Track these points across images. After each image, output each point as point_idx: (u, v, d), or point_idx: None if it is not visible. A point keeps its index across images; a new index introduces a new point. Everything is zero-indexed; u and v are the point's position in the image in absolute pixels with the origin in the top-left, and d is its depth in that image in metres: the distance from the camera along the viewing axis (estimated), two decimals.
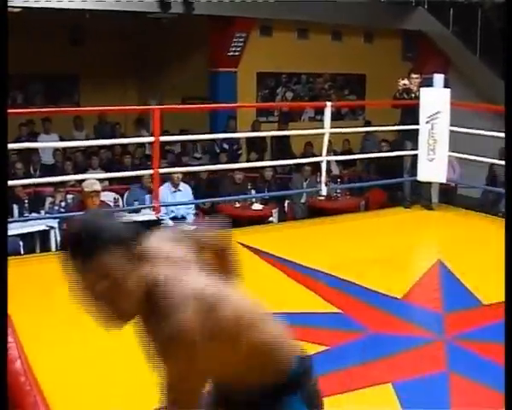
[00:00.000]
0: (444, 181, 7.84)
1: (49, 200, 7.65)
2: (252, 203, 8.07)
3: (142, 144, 9.91)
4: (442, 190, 8.41)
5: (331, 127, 7.54)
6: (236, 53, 11.35)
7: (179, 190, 7.69)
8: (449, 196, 9.70)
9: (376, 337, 4.23)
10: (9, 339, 0.72)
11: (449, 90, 7.70)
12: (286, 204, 8.97)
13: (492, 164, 9.72)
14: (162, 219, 7.02)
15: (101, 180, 7.01)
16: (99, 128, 11.41)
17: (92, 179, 6.48)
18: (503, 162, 9.86)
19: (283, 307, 3.35)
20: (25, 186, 7.52)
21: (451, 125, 7.66)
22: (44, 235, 7.05)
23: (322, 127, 7.58)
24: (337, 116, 11.62)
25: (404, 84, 7.81)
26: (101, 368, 3.73)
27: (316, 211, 8.29)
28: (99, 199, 6.31)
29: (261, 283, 4.18)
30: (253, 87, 12.31)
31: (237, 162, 9.75)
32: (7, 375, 1.73)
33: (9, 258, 5.67)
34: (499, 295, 4.81)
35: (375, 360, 3.90)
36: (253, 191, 8.39)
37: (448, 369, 3.81)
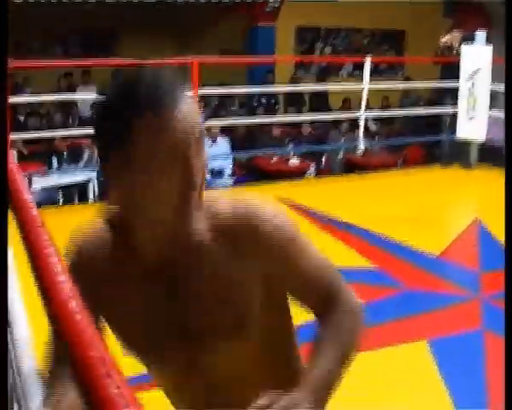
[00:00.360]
0: (483, 140, 7.74)
1: (87, 152, 7.74)
2: (289, 158, 8.07)
3: None
4: (484, 148, 8.32)
5: (370, 83, 7.47)
6: (275, 7, 11.24)
7: (216, 144, 7.71)
8: (491, 154, 9.59)
9: (412, 294, 4.24)
10: (60, 278, 0.71)
11: (491, 47, 7.55)
12: (323, 159, 8.95)
13: None
14: None
15: None
16: None
17: None
18: None
19: None
20: (64, 138, 7.61)
21: (495, 81, 7.54)
22: (83, 187, 7.16)
23: (361, 83, 7.51)
24: (376, 72, 11.49)
25: (445, 41, 7.69)
26: None
27: (353, 167, 8.26)
28: None
29: None
30: (291, 41, 12.21)
31: (275, 116, 9.73)
32: (7, 375, 1.78)
33: (47, 208, 5.84)
34: None
35: (411, 316, 3.92)
36: (290, 146, 8.38)
37: (483, 327, 3.82)
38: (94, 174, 7.02)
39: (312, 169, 8.42)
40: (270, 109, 10.39)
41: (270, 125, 8.63)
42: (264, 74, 10.65)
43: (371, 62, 7.61)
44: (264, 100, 10.57)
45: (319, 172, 8.57)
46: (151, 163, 1.09)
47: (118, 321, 1.27)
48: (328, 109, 10.74)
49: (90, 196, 7.13)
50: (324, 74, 12.01)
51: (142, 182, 1.10)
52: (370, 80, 7.50)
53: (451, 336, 3.73)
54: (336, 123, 9.27)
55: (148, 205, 1.13)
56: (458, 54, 7.58)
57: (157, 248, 1.20)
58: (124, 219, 1.19)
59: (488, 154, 9.45)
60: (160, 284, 1.23)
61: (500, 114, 8.38)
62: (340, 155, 8.94)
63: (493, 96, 7.55)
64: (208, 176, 7.26)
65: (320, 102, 10.94)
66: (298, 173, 8.00)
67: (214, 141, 7.69)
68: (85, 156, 7.73)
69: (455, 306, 4.08)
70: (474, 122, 7.50)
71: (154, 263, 1.21)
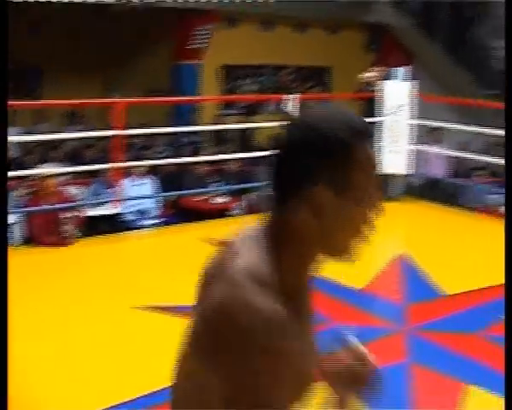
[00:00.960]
0: (407, 173, 7.89)
1: (12, 194, 7.50)
2: (215, 196, 8.03)
3: (105, 138, 9.77)
4: (409, 182, 8.49)
5: None
6: (201, 45, 11.27)
7: (142, 184, 7.60)
8: (415, 187, 9.78)
9: (338, 329, 4.22)
10: None
11: (411, 82, 7.75)
12: (249, 197, 8.93)
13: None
14: (123, 214, 6.97)
15: (64, 174, 6.91)
16: (62, 121, 11.24)
17: (48, 168, 6.42)
18: (464, 155, 10.07)
19: None
20: None
21: (418, 117, 7.73)
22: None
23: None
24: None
25: (368, 77, 7.85)
26: None
27: None
28: (55, 188, 6.25)
29: None
30: (218, 79, 12.24)
31: (200, 155, 9.69)
32: (7, 375, 1.64)
33: None
34: (463, 286, 4.88)
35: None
36: (215, 184, 8.34)
37: (409, 359, 3.83)
38: (16, 217, 6.79)
39: (239, 207, 8.38)
40: (196, 148, 10.35)
41: (196, 163, 8.58)
42: (189, 113, 10.62)
43: (295, 99, 7.68)
44: (189, 139, 10.53)
45: (246, 210, 8.52)
46: (366, 191, 1.16)
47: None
48: (254, 146, 10.77)
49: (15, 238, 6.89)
50: (250, 112, 12.07)
51: (359, 208, 1.16)
52: None
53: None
54: (261, 159, 9.27)
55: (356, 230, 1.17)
56: (380, 89, 7.73)
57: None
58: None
59: (413, 187, 9.64)
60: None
61: (424, 147, 8.58)
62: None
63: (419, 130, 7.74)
64: (133, 217, 7.15)
65: (246, 139, 10.98)
66: (223, 212, 7.95)
67: (140, 181, 7.58)
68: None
69: (380, 339, 4.08)
70: (396, 156, 7.64)
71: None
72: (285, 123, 1.16)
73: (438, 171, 9.97)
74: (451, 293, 4.82)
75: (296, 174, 1.14)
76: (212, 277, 1.19)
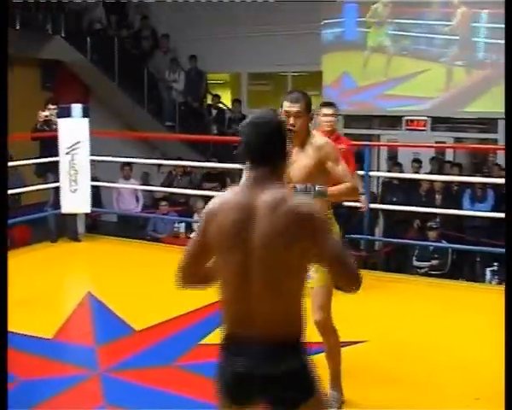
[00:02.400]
0: (88, 211, 7.81)
1: None
2: None
3: None
4: (88, 219, 8.42)
5: None
6: None
7: None
8: (94, 224, 9.76)
9: (29, 384, 3.98)
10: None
11: (87, 119, 7.70)
12: None
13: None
14: None
15: None
16: None
17: None
18: (145, 187, 10.32)
19: None
20: None
21: (96, 154, 7.70)
22: None
23: None
24: None
25: (46, 116, 7.63)
26: None
27: None
28: None
29: None
30: None
31: None
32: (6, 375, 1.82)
33: None
34: (150, 320, 4.93)
35: (33, 408, 3.67)
36: None
37: (105, 402, 3.74)
38: None
39: None
40: None
41: None
42: None
43: None
44: None
45: None
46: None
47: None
48: None
49: None
50: None
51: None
52: None
53: None
54: None
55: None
56: (57, 128, 7.55)
57: None
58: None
59: (99, 224, 9.62)
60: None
61: (111, 184, 8.58)
62: None
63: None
64: None
65: None
66: None
67: None
68: None
69: (74, 387, 3.94)
70: (77, 194, 7.52)
71: None
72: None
73: (128, 205, 10.13)
74: (141, 328, 4.84)
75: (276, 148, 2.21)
76: (275, 207, 2.09)
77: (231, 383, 2.15)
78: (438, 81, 11.58)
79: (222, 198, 2.21)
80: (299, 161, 3.48)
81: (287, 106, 3.53)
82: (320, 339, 3.62)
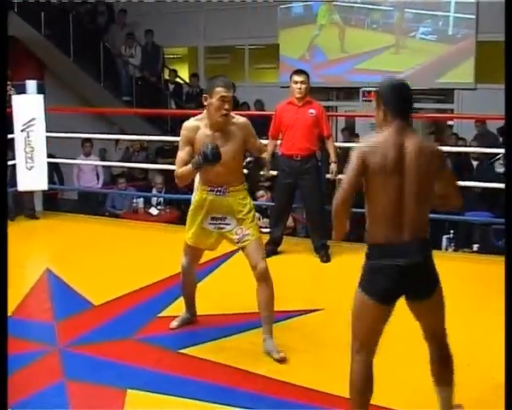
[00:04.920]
0: (45, 188, 7.74)
1: None
2: None
3: None
4: (46, 196, 8.35)
5: None
6: None
7: None
8: (53, 202, 9.69)
9: None
10: None
11: (42, 95, 7.61)
12: None
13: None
14: None
15: None
16: None
17: None
18: (105, 163, 10.28)
19: None
20: None
21: (51, 130, 7.62)
22: None
23: None
24: None
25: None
26: None
27: None
28: None
29: None
30: None
31: None
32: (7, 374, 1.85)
33: None
34: (109, 295, 4.95)
35: None
36: None
37: (65, 377, 3.76)
38: None
39: None
40: None
41: None
42: None
43: None
44: None
45: None
46: None
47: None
48: None
49: None
50: None
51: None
52: None
53: (34, 396, 3.58)
54: None
55: None
56: (12, 105, 7.45)
57: None
58: None
59: (53, 202, 9.54)
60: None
61: (68, 160, 8.50)
62: None
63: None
64: None
65: None
66: None
67: None
68: None
69: (34, 363, 3.94)
70: (33, 172, 7.45)
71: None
72: None
73: (89, 182, 10.07)
74: (100, 303, 4.85)
75: (412, 107, 3.08)
76: (420, 148, 2.88)
77: (387, 277, 2.83)
78: (407, 55, 11.72)
79: (374, 142, 2.91)
80: (229, 143, 3.89)
81: (223, 92, 3.78)
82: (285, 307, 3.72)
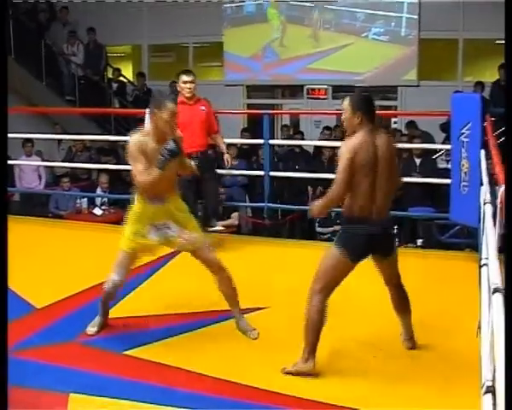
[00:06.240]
0: None
1: None
2: None
3: None
4: None
5: None
6: None
7: None
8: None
9: None
10: None
11: None
12: None
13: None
14: None
15: None
16: None
17: None
18: (47, 163, 10.09)
19: None
20: None
21: None
22: None
23: None
24: None
25: None
26: None
27: None
28: None
29: None
30: None
31: None
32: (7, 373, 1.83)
33: None
34: (51, 298, 4.84)
35: None
36: None
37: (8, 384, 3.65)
38: None
39: None
40: None
41: None
42: None
43: None
44: None
45: None
46: None
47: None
48: None
49: None
50: None
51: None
52: None
53: None
54: None
55: None
56: None
57: None
58: None
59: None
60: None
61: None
62: None
63: None
64: None
65: None
66: None
67: None
68: None
69: None
70: None
71: None
72: None
73: (31, 183, 9.88)
74: (42, 306, 4.75)
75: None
76: (386, 143, 3.72)
77: (361, 242, 3.65)
78: (360, 56, 11.80)
79: (358, 139, 3.61)
80: None
81: (174, 108, 4.01)
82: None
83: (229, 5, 12.58)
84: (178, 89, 6.19)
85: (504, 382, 1.72)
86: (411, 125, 10.10)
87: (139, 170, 3.94)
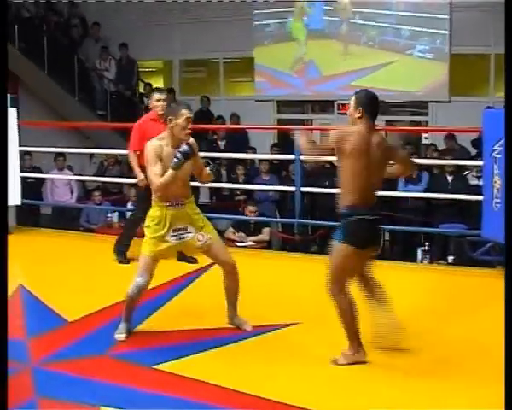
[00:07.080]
0: (18, 203, 7.64)
1: None
2: None
3: None
4: (25, 211, 8.29)
5: None
6: None
7: None
8: (32, 217, 9.58)
9: None
10: None
11: (15, 109, 7.53)
12: None
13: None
14: None
15: None
16: None
17: None
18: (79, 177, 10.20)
19: None
20: None
21: (25, 144, 7.54)
22: None
23: None
24: None
25: None
26: None
27: None
28: None
29: None
30: None
31: None
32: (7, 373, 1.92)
33: None
34: (82, 311, 4.88)
35: None
36: None
37: (36, 395, 3.69)
38: None
39: None
40: None
41: None
42: None
43: None
44: None
45: None
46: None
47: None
48: None
49: None
50: None
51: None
52: None
53: None
54: None
55: None
56: None
57: None
58: None
59: (27, 216, 9.41)
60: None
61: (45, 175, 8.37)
62: None
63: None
64: None
65: None
66: None
67: None
68: None
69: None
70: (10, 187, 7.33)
71: None
72: None
73: (62, 197, 9.98)
74: (73, 319, 4.79)
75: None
76: (380, 141, 3.97)
77: (363, 226, 3.89)
78: (404, 73, 11.72)
79: (349, 131, 3.92)
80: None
81: (188, 114, 4.26)
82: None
83: (271, 21, 12.58)
84: (150, 106, 6.39)
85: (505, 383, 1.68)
86: (450, 138, 9.99)
87: (155, 173, 4.18)
